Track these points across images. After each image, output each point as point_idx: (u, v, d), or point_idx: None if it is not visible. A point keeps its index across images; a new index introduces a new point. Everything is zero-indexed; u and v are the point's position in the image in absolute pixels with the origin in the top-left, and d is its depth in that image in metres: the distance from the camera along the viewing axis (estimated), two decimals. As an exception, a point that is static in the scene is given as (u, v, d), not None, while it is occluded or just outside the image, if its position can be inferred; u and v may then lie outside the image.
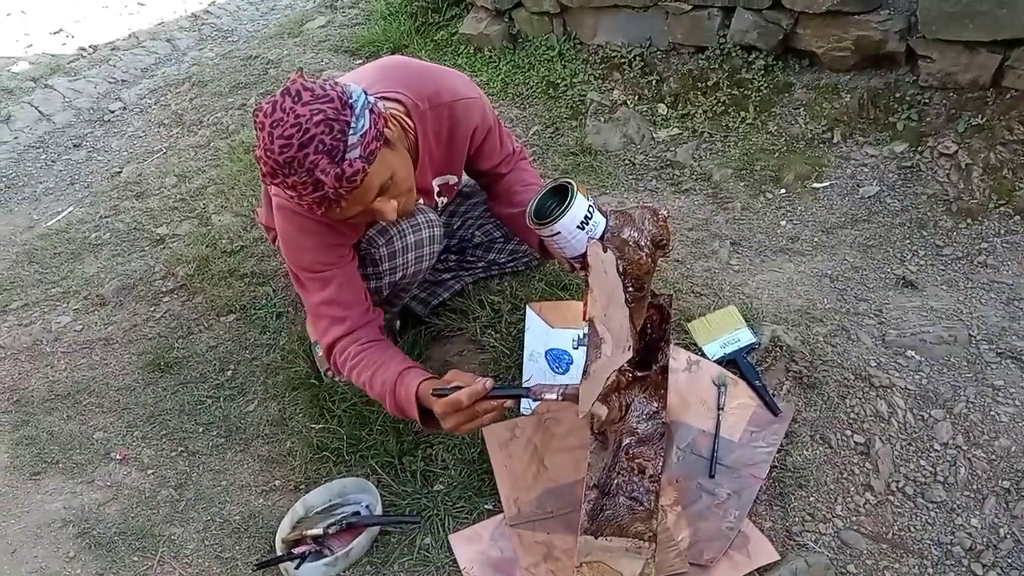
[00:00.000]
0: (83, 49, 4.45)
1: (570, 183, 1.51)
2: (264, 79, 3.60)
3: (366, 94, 1.42)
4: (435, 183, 1.82)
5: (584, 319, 1.43)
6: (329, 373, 1.92)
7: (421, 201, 1.76)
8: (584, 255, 1.56)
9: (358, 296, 1.66)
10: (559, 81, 3.18)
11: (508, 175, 1.93)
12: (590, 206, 1.52)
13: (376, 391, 1.59)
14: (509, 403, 1.56)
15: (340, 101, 1.34)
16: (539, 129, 3.01)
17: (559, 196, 1.52)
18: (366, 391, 1.63)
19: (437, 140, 1.75)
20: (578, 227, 1.50)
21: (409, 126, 1.64)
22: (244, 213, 2.62)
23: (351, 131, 1.35)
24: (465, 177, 2.00)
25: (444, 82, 1.72)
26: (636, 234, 1.47)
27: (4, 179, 3.14)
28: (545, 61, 3.32)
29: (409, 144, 1.64)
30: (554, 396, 1.47)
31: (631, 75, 3.08)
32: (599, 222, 1.53)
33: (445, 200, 1.89)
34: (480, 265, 2.05)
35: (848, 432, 1.66)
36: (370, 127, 1.38)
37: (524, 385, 1.81)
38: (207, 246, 2.49)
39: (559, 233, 1.51)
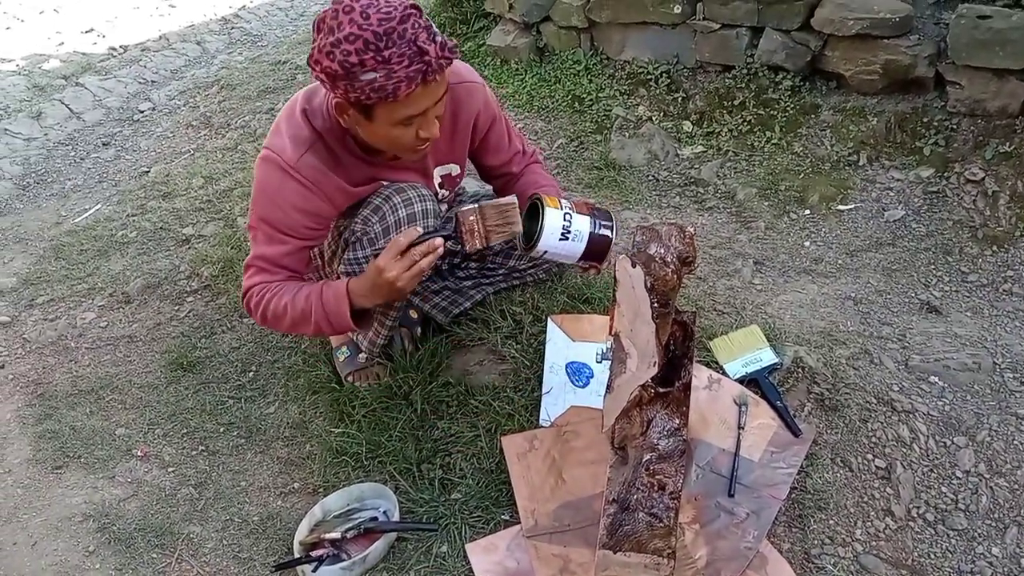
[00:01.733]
0: (114, 49, 4.52)
1: (539, 199, 1.53)
2: (292, 84, 3.64)
3: None
4: (437, 173, 1.82)
5: (610, 333, 1.44)
6: (350, 379, 1.92)
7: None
8: (582, 259, 1.60)
9: (301, 267, 1.69)
10: (585, 95, 3.19)
11: (521, 178, 1.94)
12: (566, 214, 1.54)
13: (300, 306, 1.59)
14: (441, 244, 1.52)
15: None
16: (564, 143, 3.02)
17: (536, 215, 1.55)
18: (284, 318, 1.61)
19: (442, 124, 1.74)
20: (560, 239, 1.54)
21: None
22: (269, 216, 2.64)
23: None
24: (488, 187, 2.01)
25: (455, 66, 1.73)
26: (663, 250, 1.48)
27: (34, 175, 3.18)
28: (571, 75, 3.33)
29: None
30: (473, 206, 1.50)
31: (657, 91, 3.09)
32: (582, 225, 1.56)
33: (447, 193, 1.87)
34: (501, 272, 2.03)
35: (869, 456, 1.65)
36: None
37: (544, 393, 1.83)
38: (232, 248, 2.51)
39: (547, 252, 1.55)
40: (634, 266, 1.40)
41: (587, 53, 3.38)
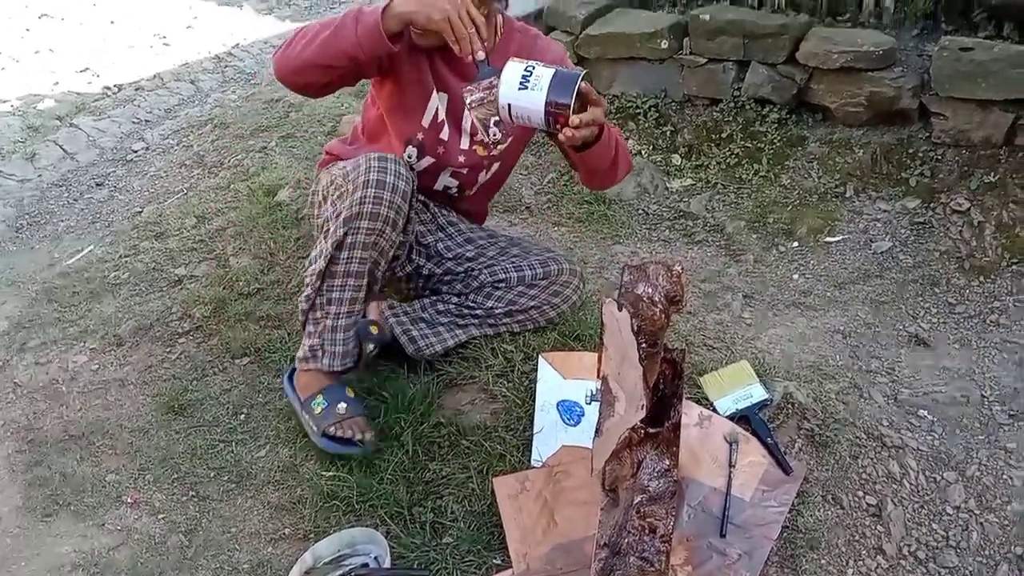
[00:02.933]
0: (108, 88, 4.54)
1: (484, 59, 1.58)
2: (285, 122, 3.67)
3: None
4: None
5: (598, 376, 1.44)
6: (331, 430, 1.83)
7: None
8: (547, 110, 1.50)
9: None
10: (574, 129, 3.22)
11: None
12: (529, 65, 1.52)
13: (327, 23, 1.63)
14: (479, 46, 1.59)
15: None
16: (554, 177, 3.05)
17: None
18: (310, 47, 1.64)
19: (517, 56, 1.77)
20: (519, 89, 1.50)
21: (500, 30, 1.83)
22: (262, 255, 2.65)
23: None
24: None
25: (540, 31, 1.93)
26: (650, 289, 1.49)
27: (27, 216, 3.20)
28: (565, 111, 3.36)
29: (493, 45, 1.79)
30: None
31: (646, 125, 3.13)
32: (543, 73, 1.50)
33: (499, 136, 1.79)
34: (478, 313, 2.02)
35: (860, 493, 1.65)
36: None
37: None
38: (224, 288, 2.52)
39: (510, 104, 1.51)
40: (620, 309, 1.40)
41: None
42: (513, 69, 1.51)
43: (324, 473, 1.84)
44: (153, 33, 5.40)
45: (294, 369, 1.95)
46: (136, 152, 3.66)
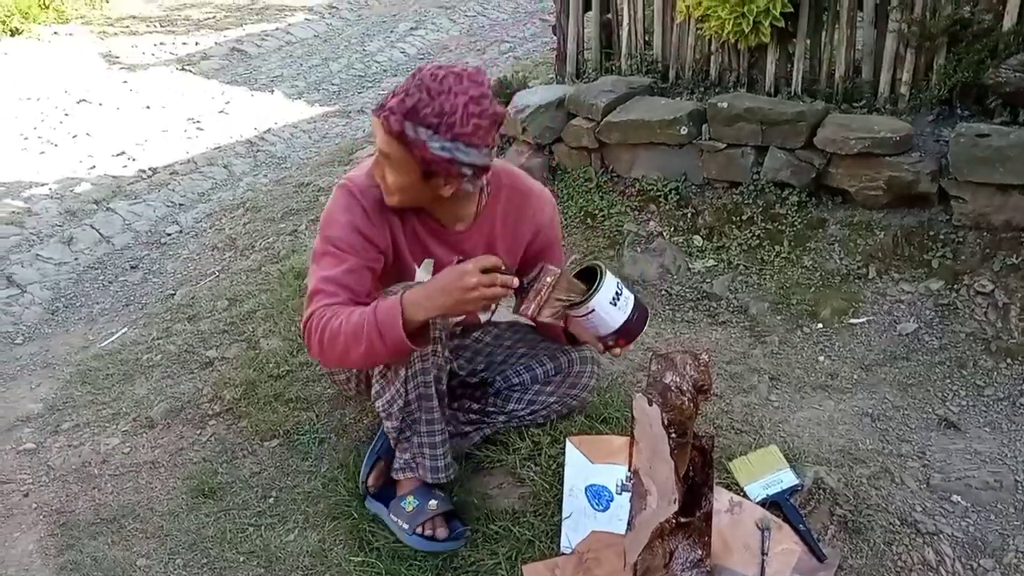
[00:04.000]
0: (143, 171, 4.71)
1: (598, 264, 1.61)
2: (315, 205, 3.78)
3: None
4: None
5: (629, 469, 1.45)
6: (419, 531, 1.84)
7: None
8: (618, 331, 1.62)
9: (363, 289, 1.71)
10: (597, 212, 3.29)
11: None
12: (619, 283, 1.61)
13: (353, 321, 1.58)
14: (516, 284, 1.59)
15: (461, 132, 1.55)
16: (577, 258, 3.09)
17: (587, 279, 1.61)
18: (339, 339, 1.59)
19: (504, 221, 1.85)
20: (611, 303, 1.59)
21: (486, 191, 1.79)
22: (292, 337, 2.70)
23: (434, 136, 1.54)
24: (500, 315, 2.05)
25: (529, 179, 1.93)
26: (678, 379, 1.51)
27: (63, 299, 3.28)
28: (583, 192, 3.44)
29: (478, 210, 1.79)
30: (557, 270, 1.57)
31: (667, 207, 3.18)
32: (629, 297, 1.63)
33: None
34: (500, 419, 2.04)
35: (896, 582, 1.62)
36: (438, 156, 1.56)
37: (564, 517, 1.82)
38: (254, 370, 2.56)
39: (593, 311, 1.59)
40: (651, 404, 1.43)
41: (598, 171, 3.50)
42: (611, 282, 1.60)
43: (353, 559, 1.84)
44: (187, 118, 5.63)
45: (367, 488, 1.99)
46: (170, 235, 3.78)
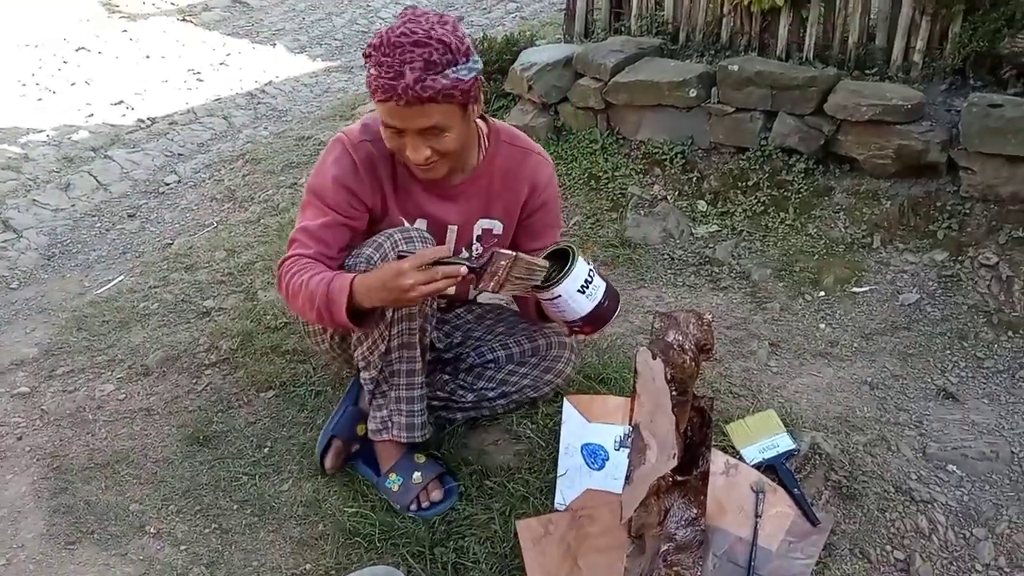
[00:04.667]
0: (142, 121, 4.66)
1: (570, 247, 1.58)
2: (315, 159, 3.72)
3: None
4: (479, 225, 1.85)
5: (629, 423, 1.44)
6: (413, 507, 1.83)
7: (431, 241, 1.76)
8: (584, 318, 1.59)
9: (336, 244, 1.73)
10: (601, 174, 3.26)
11: None
12: (590, 270, 1.58)
13: (311, 287, 1.61)
14: (464, 273, 1.53)
15: (466, 47, 1.55)
16: (580, 220, 3.07)
17: (560, 261, 1.58)
18: (298, 297, 1.64)
19: (503, 177, 1.82)
20: (579, 291, 1.56)
21: (484, 144, 1.77)
22: (289, 290, 2.68)
23: (455, 69, 1.52)
24: (485, 296, 2.01)
25: (529, 139, 1.89)
26: (680, 337, 1.49)
27: (59, 245, 3.25)
28: (588, 154, 3.40)
29: (476, 163, 1.77)
30: (511, 253, 1.51)
31: (672, 171, 3.15)
32: (599, 286, 1.59)
33: (479, 247, 1.87)
34: (469, 397, 1.98)
35: (888, 547, 1.63)
36: (471, 79, 1.55)
37: (559, 475, 1.82)
38: (252, 321, 2.55)
39: (560, 296, 1.56)
40: (655, 358, 1.41)
41: (603, 133, 3.46)
42: (581, 269, 1.55)
43: (347, 509, 1.84)
44: (187, 68, 5.55)
45: (358, 447, 1.96)
46: (168, 185, 3.74)
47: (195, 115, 4.71)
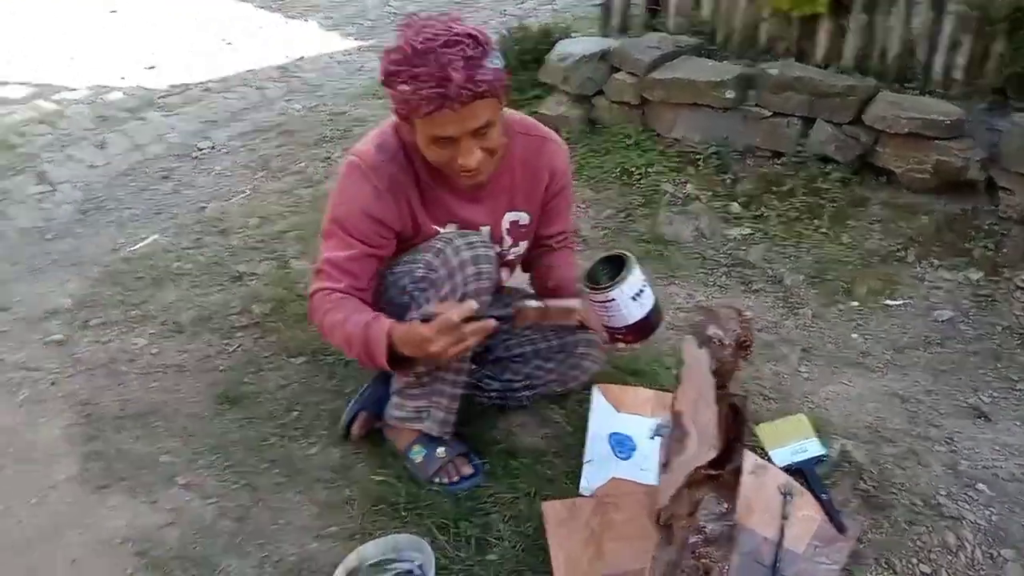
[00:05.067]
0: (174, 86, 4.67)
1: (627, 254, 1.58)
2: (349, 135, 3.75)
3: None
4: (507, 218, 1.84)
5: (672, 411, 1.45)
6: (436, 479, 1.83)
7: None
8: (630, 326, 1.59)
9: (365, 276, 1.70)
10: (634, 169, 3.26)
11: (556, 251, 1.99)
12: (645, 280, 1.58)
13: (347, 329, 1.60)
14: (493, 327, 1.55)
15: (488, 37, 1.51)
16: (611, 213, 3.07)
17: (613, 266, 1.58)
18: (333, 333, 1.64)
19: (523, 168, 1.80)
20: (632, 298, 1.56)
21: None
22: (321, 261, 2.70)
23: (489, 58, 1.48)
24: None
25: (539, 124, 1.85)
26: (721, 332, 1.50)
27: (93, 201, 3.27)
28: (621, 148, 3.41)
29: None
30: (539, 304, 1.52)
31: (706, 171, 3.16)
32: (650, 296, 1.59)
33: (511, 242, 1.87)
34: (495, 386, 1.98)
35: (914, 560, 1.63)
36: (502, 69, 1.51)
37: (585, 461, 1.83)
38: (284, 288, 2.56)
39: (614, 300, 1.55)
40: (700, 347, 1.42)
41: (638, 128, 3.47)
42: (637, 277, 1.56)
43: (373, 477, 1.86)
44: (221, 38, 5.57)
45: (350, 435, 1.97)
46: (202, 150, 3.75)
47: (228, 84, 4.72)
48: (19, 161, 3.59)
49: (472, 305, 1.51)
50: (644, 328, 1.62)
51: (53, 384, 2.18)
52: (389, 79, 1.49)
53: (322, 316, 1.66)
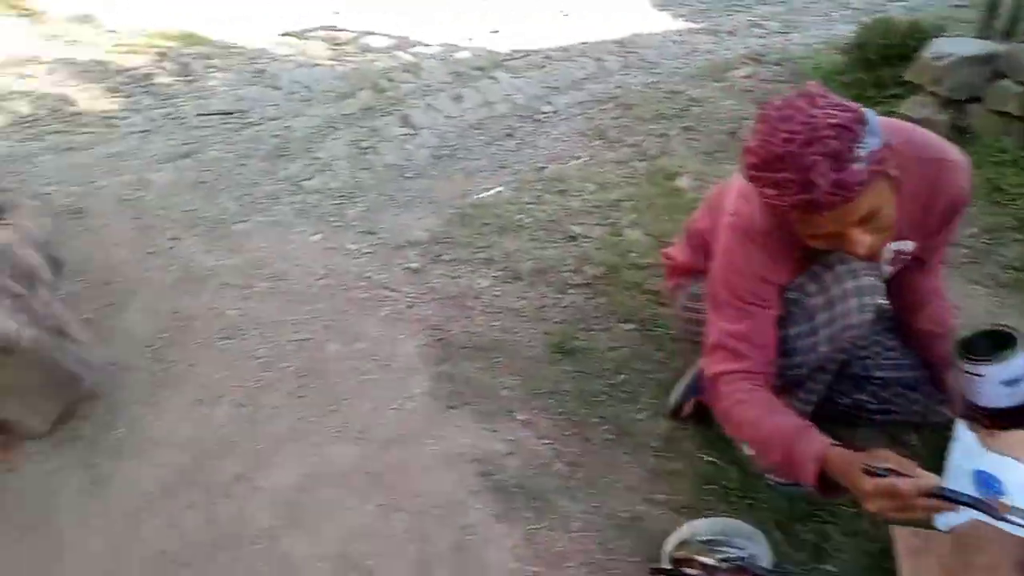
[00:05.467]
0: (518, 51, 4.93)
1: (1016, 332, 1.40)
2: (686, 114, 3.71)
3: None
4: (891, 247, 1.66)
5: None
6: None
7: None
8: (991, 411, 1.46)
9: (767, 343, 1.56)
10: (1008, 188, 2.90)
11: (925, 268, 1.76)
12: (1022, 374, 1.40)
13: (764, 432, 1.47)
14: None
15: (856, 113, 1.30)
16: (977, 232, 2.76)
17: (993, 339, 1.42)
18: (742, 429, 1.54)
19: (913, 200, 1.59)
20: (1004, 382, 1.41)
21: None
22: (655, 234, 2.71)
23: (860, 145, 1.28)
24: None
25: (933, 138, 1.60)
26: None
27: (447, 148, 3.55)
28: (993, 164, 3.05)
29: None
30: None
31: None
32: None
33: (889, 271, 1.72)
34: (844, 403, 1.83)
35: None
36: (879, 149, 1.31)
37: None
38: (617, 255, 2.61)
39: (983, 376, 1.41)
40: None
41: (1016, 143, 3.07)
42: (1017, 364, 1.41)
43: (702, 456, 1.83)
44: (558, 8, 5.81)
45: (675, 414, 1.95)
46: (544, 113, 3.92)
47: (568, 53, 4.89)
48: (387, 104, 4.00)
49: (934, 482, 1.28)
50: (1006, 419, 1.48)
51: (410, 307, 2.40)
52: (752, 179, 1.37)
53: (728, 407, 1.54)
